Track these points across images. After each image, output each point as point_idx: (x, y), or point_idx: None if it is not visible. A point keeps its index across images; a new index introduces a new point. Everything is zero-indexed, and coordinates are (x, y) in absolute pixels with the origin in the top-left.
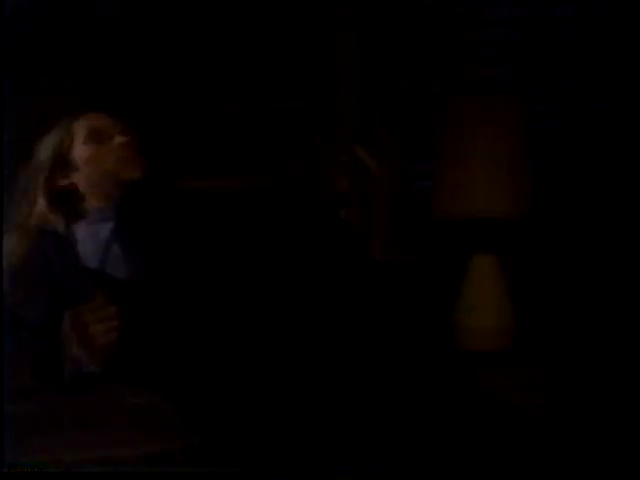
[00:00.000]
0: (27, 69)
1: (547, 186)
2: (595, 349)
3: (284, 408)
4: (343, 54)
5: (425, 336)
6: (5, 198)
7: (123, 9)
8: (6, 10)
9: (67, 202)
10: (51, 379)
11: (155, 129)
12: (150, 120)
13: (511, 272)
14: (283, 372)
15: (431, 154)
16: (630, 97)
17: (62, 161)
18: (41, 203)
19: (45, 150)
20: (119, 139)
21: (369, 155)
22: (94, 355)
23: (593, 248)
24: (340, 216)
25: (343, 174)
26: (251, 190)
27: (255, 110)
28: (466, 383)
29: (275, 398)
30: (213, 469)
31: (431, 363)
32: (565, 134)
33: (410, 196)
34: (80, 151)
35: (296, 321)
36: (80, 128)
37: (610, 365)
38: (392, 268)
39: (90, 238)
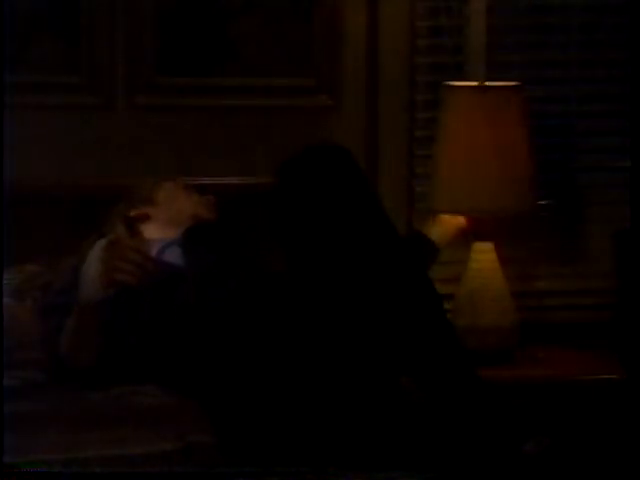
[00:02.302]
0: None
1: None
2: (601, 346)
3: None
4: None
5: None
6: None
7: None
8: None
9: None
10: None
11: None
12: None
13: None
14: (287, 374)
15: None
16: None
17: (147, 198)
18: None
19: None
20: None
21: None
22: (107, 285)
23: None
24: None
25: None
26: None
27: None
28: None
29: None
30: (214, 469)
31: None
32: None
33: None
34: (171, 187)
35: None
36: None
37: (616, 361)
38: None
39: None
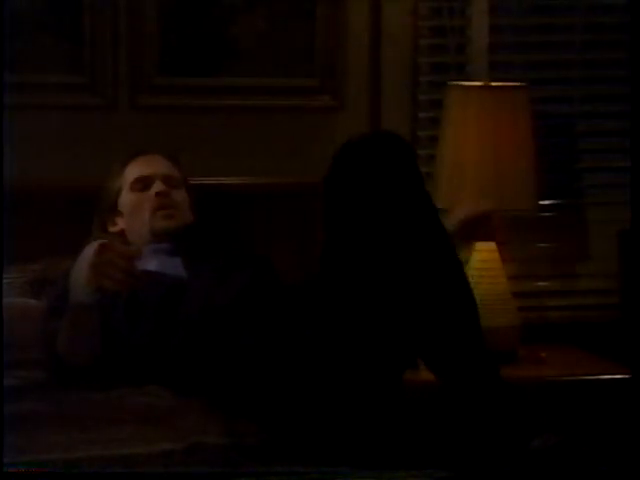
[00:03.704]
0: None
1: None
2: (604, 346)
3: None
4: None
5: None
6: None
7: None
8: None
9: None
10: None
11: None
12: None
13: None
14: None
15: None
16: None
17: (113, 207)
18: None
19: (103, 196)
20: (157, 187)
21: None
22: (95, 289)
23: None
24: None
25: None
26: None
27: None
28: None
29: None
30: (215, 469)
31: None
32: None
33: None
34: (125, 198)
35: None
36: (129, 175)
37: (619, 361)
38: None
39: None
